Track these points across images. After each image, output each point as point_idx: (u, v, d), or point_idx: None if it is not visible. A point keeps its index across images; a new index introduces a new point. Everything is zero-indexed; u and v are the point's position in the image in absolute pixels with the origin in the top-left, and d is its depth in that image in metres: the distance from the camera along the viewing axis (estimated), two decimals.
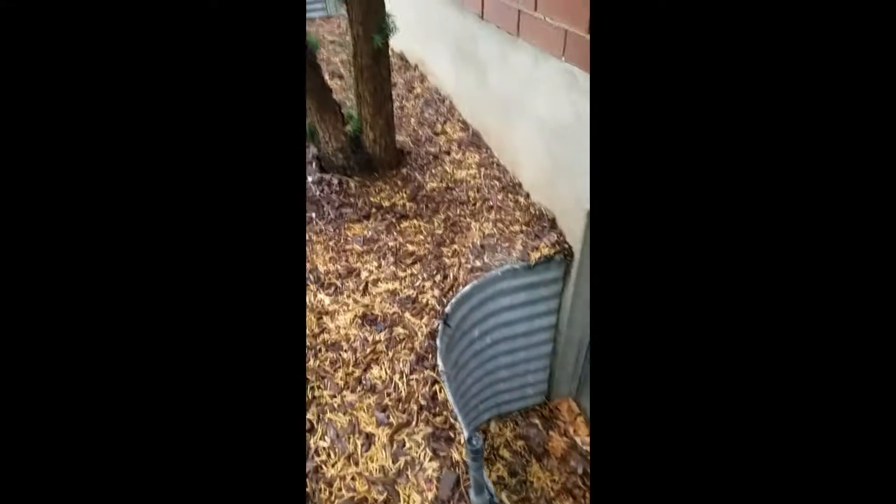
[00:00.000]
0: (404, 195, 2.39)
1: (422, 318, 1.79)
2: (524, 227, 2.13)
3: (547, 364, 2.53)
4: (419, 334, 1.72)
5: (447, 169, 2.54)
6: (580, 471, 2.32)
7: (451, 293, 1.90)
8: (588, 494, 2.26)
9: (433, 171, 2.54)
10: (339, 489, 1.27)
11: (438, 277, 1.97)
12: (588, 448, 2.44)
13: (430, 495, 1.23)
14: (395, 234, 2.18)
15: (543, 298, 2.21)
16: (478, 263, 2.01)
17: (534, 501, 2.23)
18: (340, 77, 3.55)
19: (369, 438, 1.38)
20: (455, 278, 1.96)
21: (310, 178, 2.43)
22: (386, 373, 1.58)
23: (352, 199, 2.35)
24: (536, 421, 2.58)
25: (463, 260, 2.03)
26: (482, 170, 2.50)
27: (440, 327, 1.75)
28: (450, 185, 2.43)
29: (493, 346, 2.30)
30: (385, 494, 1.25)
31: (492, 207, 2.26)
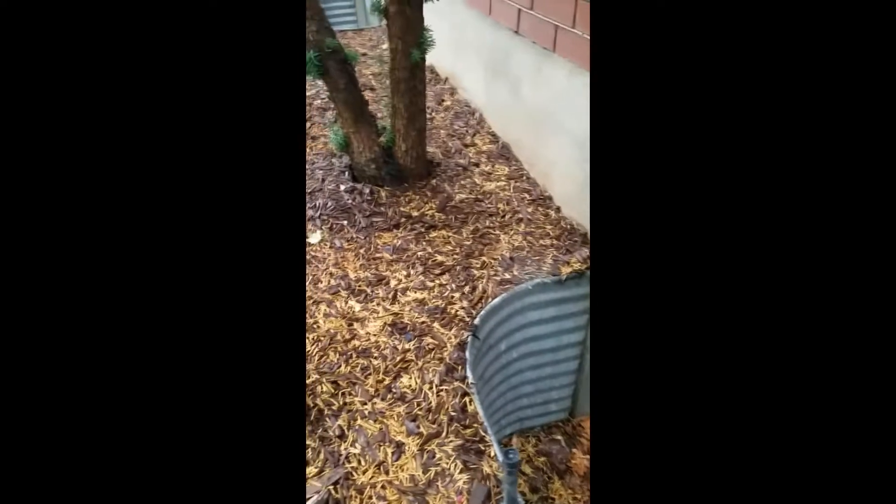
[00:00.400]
0: (433, 206, 2.41)
1: (451, 329, 1.80)
2: (555, 241, 2.13)
3: (573, 380, 2.50)
4: (448, 345, 1.73)
5: (476, 181, 2.56)
6: None
7: (479, 305, 1.90)
8: None
9: (462, 182, 2.56)
10: (370, 497, 1.27)
11: (467, 289, 1.98)
12: None
13: None
14: (423, 243, 2.20)
15: (572, 314, 2.19)
16: (507, 276, 2.01)
17: None
18: (372, 89, 3.61)
19: (399, 447, 1.39)
20: (484, 290, 1.96)
21: (342, 187, 2.48)
22: (416, 382, 1.58)
23: (382, 209, 2.38)
24: (559, 437, 2.54)
25: (492, 272, 2.04)
26: (512, 182, 2.51)
27: (469, 339, 1.75)
28: (479, 196, 2.44)
29: (519, 360, 2.29)
30: None
31: (521, 220, 2.26)
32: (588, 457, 2.46)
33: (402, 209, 2.40)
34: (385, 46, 4.28)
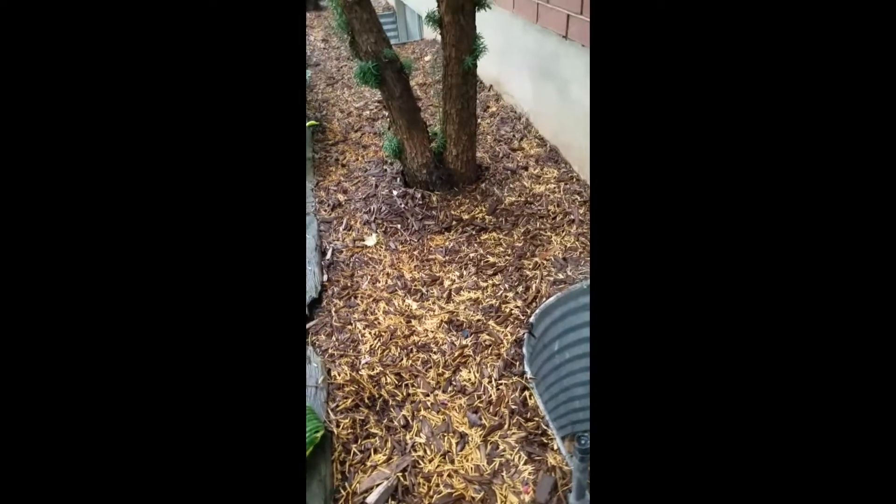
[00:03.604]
0: (483, 209, 2.46)
1: (506, 327, 1.83)
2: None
3: None
4: (505, 342, 1.76)
5: (525, 184, 2.59)
6: None
7: (533, 304, 1.92)
8: None
9: (511, 185, 2.59)
10: (437, 485, 1.31)
11: (521, 288, 2.00)
12: None
13: (527, 498, 1.25)
14: (475, 245, 2.25)
15: None
16: (560, 276, 2.03)
17: None
18: (418, 99, 3.73)
19: (463, 438, 1.42)
20: (538, 290, 1.98)
21: (395, 192, 2.57)
22: (475, 376, 1.62)
23: (434, 213, 2.45)
24: None
25: (545, 272, 2.06)
26: (561, 185, 2.52)
27: (525, 336, 1.78)
28: (528, 199, 2.47)
29: (571, 362, 2.28)
30: (482, 493, 1.27)
31: (573, 221, 2.27)
32: None
33: (453, 212, 2.46)
34: (427, 59, 4.40)
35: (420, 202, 2.50)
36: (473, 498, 1.27)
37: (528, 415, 1.47)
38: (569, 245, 2.16)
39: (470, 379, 1.62)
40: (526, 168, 2.71)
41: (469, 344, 1.76)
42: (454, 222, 2.39)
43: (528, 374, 1.61)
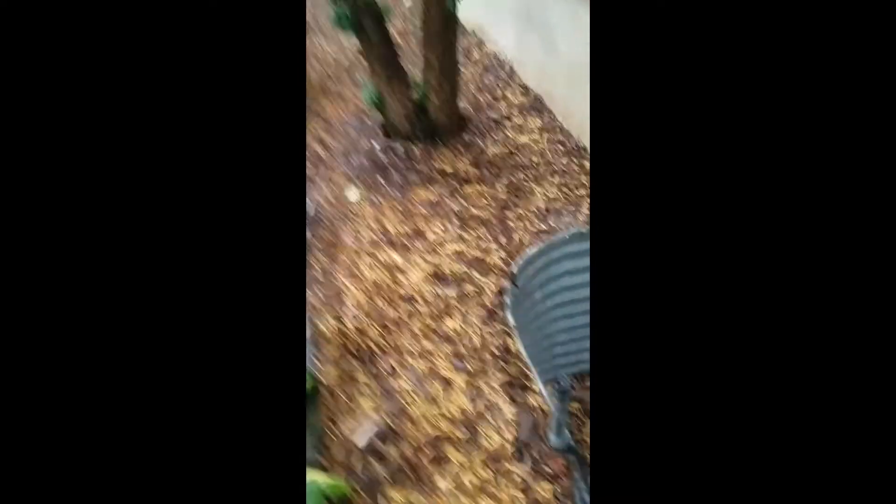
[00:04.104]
0: (467, 161, 2.43)
1: (489, 277, 1.86)
2: (590, 192, 2.13)
3: None
4: (488, 291, 1.79)
5: (509, 134, 2.55)
6: None
7: (516, 255, 1.95)
8: None
9: (495, 136, 2.55)
10: (424, 426, 1.38)
11: (504, 240, 2.02)
12: None
13: (510, 436, 1.32)
14: (458, 198, 2.24)
15: None
16: (543, 226, 2.05)
17: (587, 460, 2.29)
18: (397, 46, 3.57)
19: (448, 383, 1.48)
20: (520, 240, 2.00)
21: (377, 145, 2.51)
22: (459, 325, 1.66)
23: (416, 165, 2.42)
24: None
25: (528, 223, 2.07)
26: (545, 135, 2.49)
27: (508, 286, 1.81)
28: (512, 150, 2.45)
29: (553, 310, 2.35)
30: (467, 434, 1.34)
31: (556, 172, 2.27)
32: None
33: (436, 165, 2.43)
34: (407, 3, 4.17)
35: (402, 155, 2.46)
36: (459, 438, 1.33)
37: (510, 360, 1.53)
38: (552, 196, 2.16)
39: (454, 328, 1.66)
40: (509, 118, 2.66)
41: (454, 295, 1.79)
42: (437, 175, 2.37)
43: (511, 323, 1.66)
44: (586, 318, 2.50)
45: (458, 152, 2.48)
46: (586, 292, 2.35)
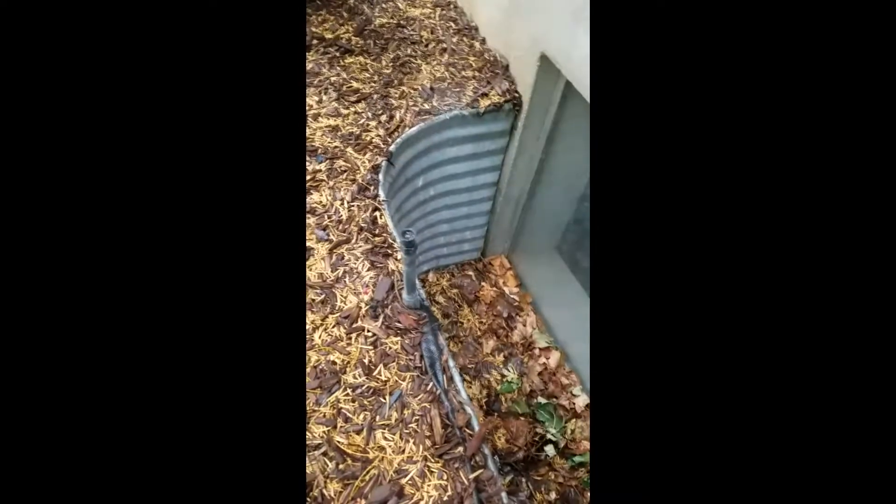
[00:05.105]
0: (350, 28, 2.18)
1: (364, 154, 1.76)
2: (476, 73, 2.06)
3: (485, 222, 2.65)
4: (361, 168, 1.71)
5: (399, 5, 2.32)
6: (505, 314, 2.58)
7: (396, 134, 1.86)
8: (510, 335, 2.54)
9: (384, 5, 2.31)
10: None
11: (384, 117, 1.91)
12: (515, 297, 2.69)
13: (366, 297, 1.33)
14: (338, 69, 2.04)
15: (489, 153, 2.22)
16: (426, 107, 1.96)
17: (462, 338, 2.48)
18: None
19: (309, 251, 1.43)
20: (402, 119, 1.90)
21: None
22: (327, 199, 1.58)
23: None
24: (471, 273, 2.77)
25: (411, 102, 1.96)
26: (438, 10, 2.31)
27: (384, 164, 1.74)
28: (401, 22, 2.24)
29: (435, 199, 2.35)
30: (323, 296, 1.33)
31: (445, 50, 2.14)
32: (494, 288, 2.74)
33: (314, 29, 2.15)
34: None
35: None
36: (314, 300, 1.32)
37: (377, 231, 1.51)
38: (438, 75, 2.05)
39: (321, 201, 1.58)
40: None
41: (323, 169, 1.68)
42: (315, 41, 2.11)
43: (382, 197, 1.61)
44: (469, 209, 2.55)
45: (340, 18, 2.22)
46: (469, 182, 2.37)
